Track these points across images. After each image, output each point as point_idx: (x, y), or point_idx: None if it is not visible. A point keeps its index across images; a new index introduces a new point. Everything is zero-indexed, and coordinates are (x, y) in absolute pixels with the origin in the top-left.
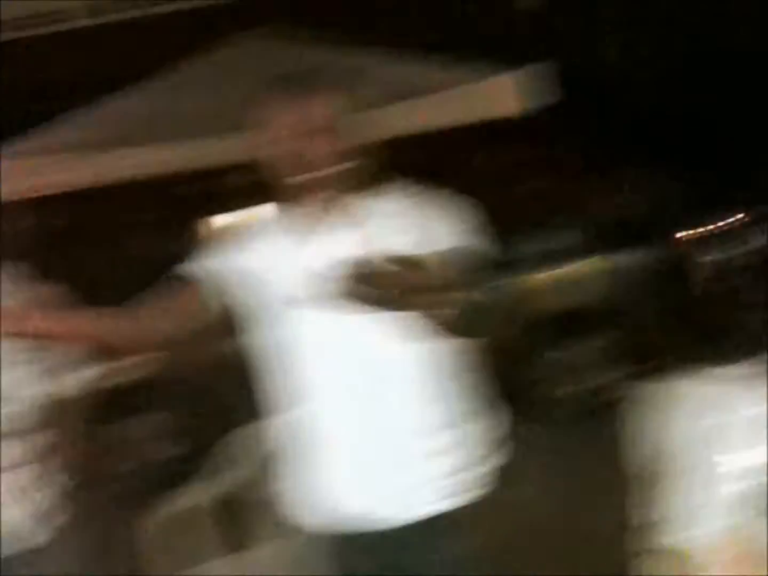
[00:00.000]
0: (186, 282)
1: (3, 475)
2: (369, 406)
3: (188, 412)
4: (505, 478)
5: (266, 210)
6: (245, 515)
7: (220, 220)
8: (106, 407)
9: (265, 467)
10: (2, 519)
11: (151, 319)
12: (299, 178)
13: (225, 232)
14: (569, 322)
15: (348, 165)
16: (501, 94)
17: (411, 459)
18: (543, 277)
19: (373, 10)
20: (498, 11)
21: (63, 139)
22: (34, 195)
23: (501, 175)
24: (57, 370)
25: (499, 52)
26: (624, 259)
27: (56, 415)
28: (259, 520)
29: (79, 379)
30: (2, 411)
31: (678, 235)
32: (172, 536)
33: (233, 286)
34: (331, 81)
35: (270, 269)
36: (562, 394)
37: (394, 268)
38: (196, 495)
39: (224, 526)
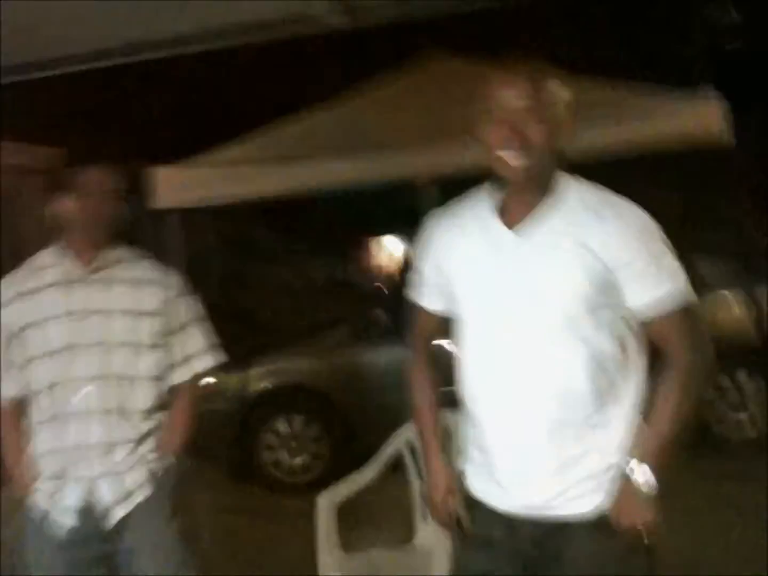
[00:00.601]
0: (428, 315)
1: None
2: (537, 401)
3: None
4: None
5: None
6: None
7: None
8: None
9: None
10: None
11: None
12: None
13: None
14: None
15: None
16: (709, 118)
17: (568, 453)
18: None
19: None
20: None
21: (257, 151)
22: (228, 203)
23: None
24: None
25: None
26: None
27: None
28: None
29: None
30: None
31: None
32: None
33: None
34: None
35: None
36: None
37: None
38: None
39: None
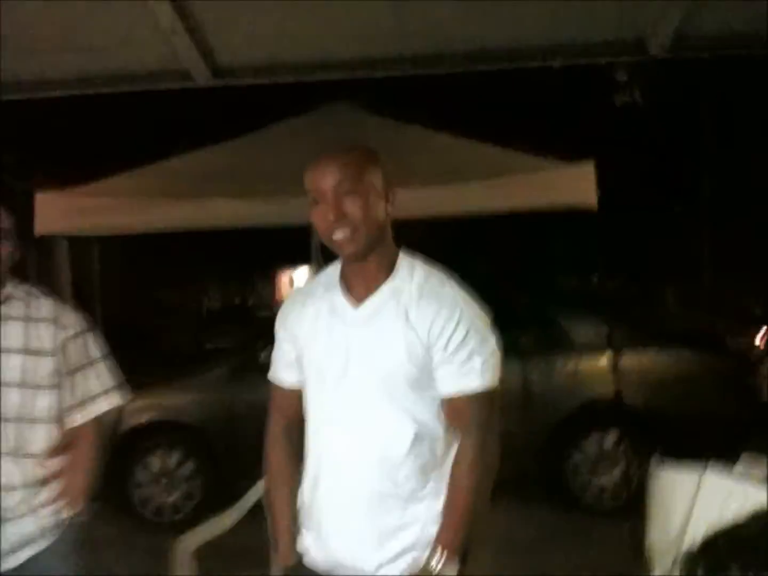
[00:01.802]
0: (282, 391)
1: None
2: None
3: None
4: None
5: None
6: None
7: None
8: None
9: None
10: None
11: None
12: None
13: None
14: (604, 412)
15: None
16: (580, 183)
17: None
18: (603, 360)
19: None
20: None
21: (143, 184)
22: (107, 233)
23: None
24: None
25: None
26: (685, 357)
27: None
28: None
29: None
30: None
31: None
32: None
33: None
34: (382, 151)
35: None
36: (594, 482)
37: None
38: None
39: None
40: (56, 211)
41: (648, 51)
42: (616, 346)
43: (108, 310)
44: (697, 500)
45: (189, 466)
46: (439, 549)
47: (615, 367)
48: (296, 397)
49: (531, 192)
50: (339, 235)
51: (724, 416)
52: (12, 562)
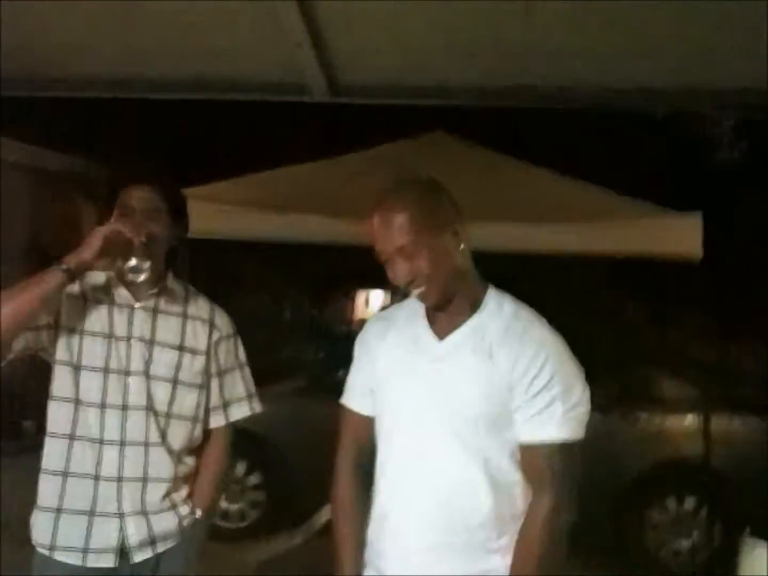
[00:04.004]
0: (356, 418)
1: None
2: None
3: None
4: None
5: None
6: None
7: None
8: None
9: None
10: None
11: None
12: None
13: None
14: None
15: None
16: (685, 234)
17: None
18: (682, 422)
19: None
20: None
21: (244, 192)
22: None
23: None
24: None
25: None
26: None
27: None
28: None
29: None
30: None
31: None
32: None
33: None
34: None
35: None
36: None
37: None
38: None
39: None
40: None
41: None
42: (704, 406)
43: None
44: None
45: (257, 476)
46: None
47: (704, 429)
48: (370, 425)
49: (634, 238)
50: (415, 293)
51: None
52: (143, 554)
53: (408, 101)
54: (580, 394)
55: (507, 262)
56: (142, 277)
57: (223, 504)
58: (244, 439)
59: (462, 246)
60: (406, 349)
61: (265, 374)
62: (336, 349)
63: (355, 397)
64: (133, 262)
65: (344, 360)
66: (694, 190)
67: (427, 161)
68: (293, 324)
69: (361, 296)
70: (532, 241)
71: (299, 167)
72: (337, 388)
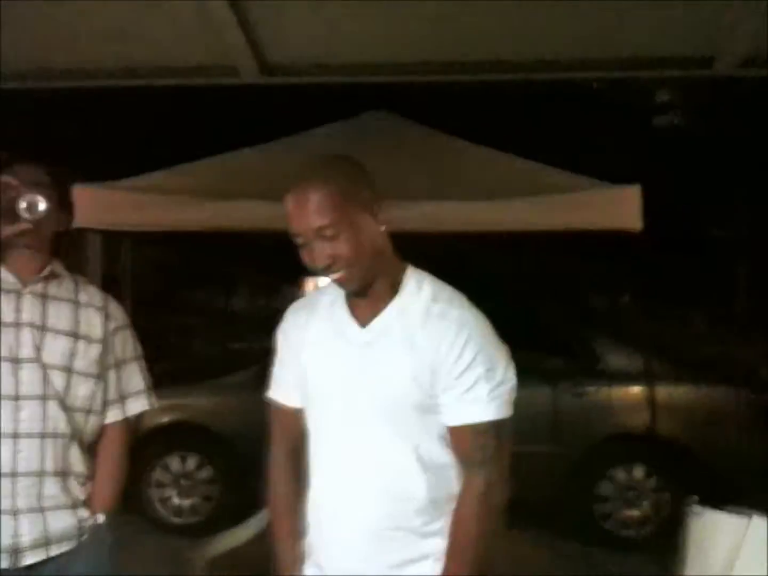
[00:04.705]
0: (285, 411)
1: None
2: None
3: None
4: None
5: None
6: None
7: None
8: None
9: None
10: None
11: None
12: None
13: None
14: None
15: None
16: (624, 206)
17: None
18: (635, 392)
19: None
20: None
21: (179, 182)
22: (139, 229)
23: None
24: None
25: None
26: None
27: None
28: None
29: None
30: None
31: None
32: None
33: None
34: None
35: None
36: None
37: None
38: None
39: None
40: (93, 204)
41: (712, 68)
42: (650, 376)
43: (135, 306)
44: (743, 546)
45: (208, 470)
46: None
47: (650, 398)
48: (300, 417)
49: (574, 212)
50: (334, 276)
51: (759, 453)
52: (39, 555)
53: (338, 79)
54: (503, 372)
55: (450, 240)
56: (42, 207)
57: (176, 500)
58: (194, 433)
59: (381, 227)
60: (329, 337)
61: (215, 366)
62: None
63: (281, 389)
64: (23, 202)
65: None
66: (633, 160)
67: (366, 141)
68: (243, 315)
69: (309, 283)
70: (473, 219)
71: (235, 153)
72: None
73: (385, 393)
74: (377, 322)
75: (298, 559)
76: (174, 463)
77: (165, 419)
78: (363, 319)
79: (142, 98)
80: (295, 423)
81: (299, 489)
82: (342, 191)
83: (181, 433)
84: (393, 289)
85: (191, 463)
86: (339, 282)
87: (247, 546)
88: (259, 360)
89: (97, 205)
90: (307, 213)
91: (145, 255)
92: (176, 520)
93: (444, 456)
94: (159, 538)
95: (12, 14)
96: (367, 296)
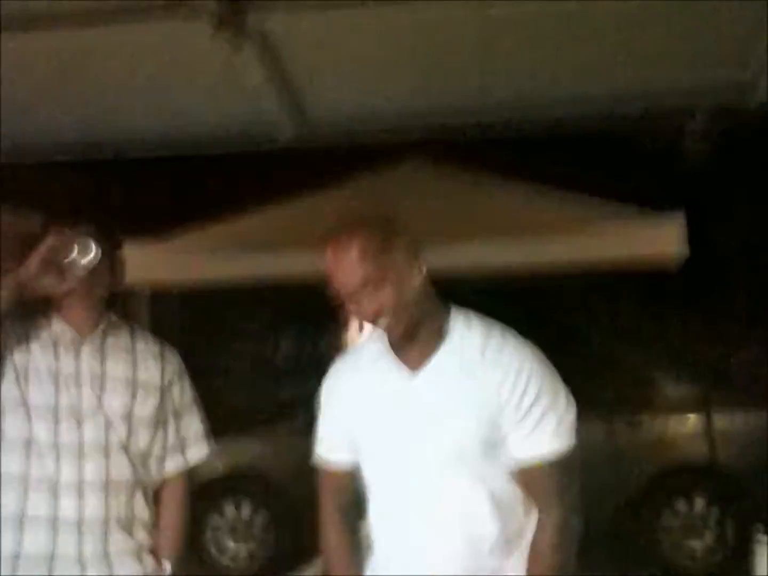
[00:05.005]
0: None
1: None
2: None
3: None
4: None
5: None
6: None
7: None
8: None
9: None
10: None
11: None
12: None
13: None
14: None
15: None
16: (668, 234)
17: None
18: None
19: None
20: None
21: (213, 240)
22: (185, 287)
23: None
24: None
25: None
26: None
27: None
28: None
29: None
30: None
31: None
32: None
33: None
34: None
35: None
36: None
37: None
38: None
39: None
40: (142, 263)
41: (745, 99)
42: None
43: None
44: None
45: (263, 516)
46: None
47: (708, 428)
48: (349, 479)
49: (618, 243)
50: (380, 327)
51: None
52: None
53: (373, 138)
54: (565, 401)
55: (498, 280)
56: (93, 252)
57: (232, 545)
58: (249, 480)
59: (421, 272)
60: (377, 391)
61: (265, 415)
62: None
63: (330, 450)
64: (74, 251)
65: None
66: (671, 191)
67: (402, 191)
68: (289, 362)
69: (353, 324)
70: (518, 258)
71: (277, 209)
72: None
73: (451, 436)
74: (432, 365)
75: None
76: (229, 511)
77: (219, 469)
78: (412, 366)
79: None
80: (345, 485)
81: (355, 545)
82: (377, 242)
83: (234, 482)
84: (440, 331)
85: (246, 511)
86: (386, 329)
87: None
88: (305, 406)
89: (146, 264)
90: (348, 267)
91: (191, 308)
92: (233, 565)
93: (512, 493)
94: None
95: (63, 92)
96: (414, 341)
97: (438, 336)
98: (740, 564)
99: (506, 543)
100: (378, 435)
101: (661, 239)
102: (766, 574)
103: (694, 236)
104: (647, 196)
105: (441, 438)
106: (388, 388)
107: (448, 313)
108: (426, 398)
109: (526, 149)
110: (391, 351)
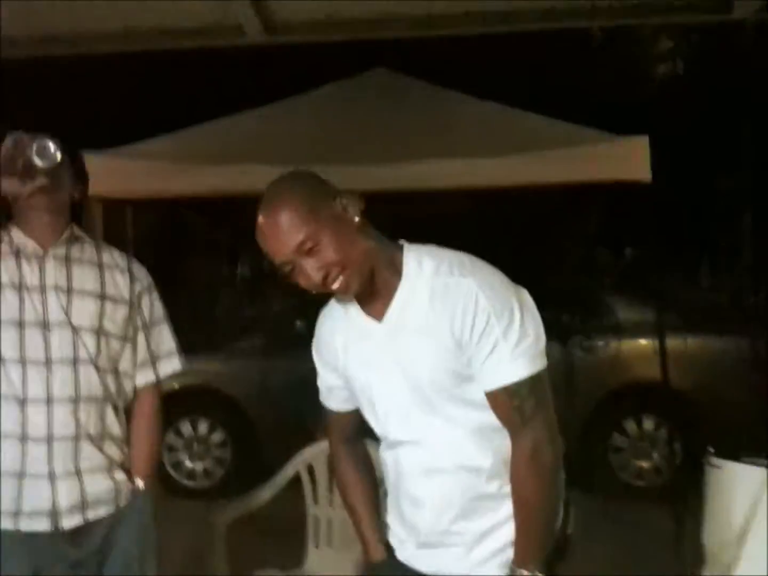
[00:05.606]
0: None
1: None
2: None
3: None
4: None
5: None
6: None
7: None
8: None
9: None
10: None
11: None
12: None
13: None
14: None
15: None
16: (633, 157)
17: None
18: (643, 345)
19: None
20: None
21: (183, 148)
22: (138, 197)
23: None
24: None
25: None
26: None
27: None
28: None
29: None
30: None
31: None
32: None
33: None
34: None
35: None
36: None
37: None
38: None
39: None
40: (99, 173)
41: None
42: (662, 328)
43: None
44: (763, 497)
45: (220, 434)
46: (517, 564)
47: (661, 351)
48: (351, 417)
49: (581, 165)
50: (334, 287)
51: None
52: (77, 518)
53: (347, 36)
54: (520, 327)
55: (457, 197)
56: (53, 150)
57: (188, 463)
58: (206, 397)
59: (357, 219)
60: (356, 341)
61: (225, 333)
62: (291, 302)
63: (329, 399)
64: (32, 153)
65: (300, 312)
66: (638, 110)
67: (369, 99)
68: (249, 281)
69: None
70: (480, 175)
71: (236, 117)
72: (295, 341)
73: (422, 377)
74: (391, 314)
75: (381, 540)
76: (186, 427)
77: (176, 385)
78: (379, 314)
79: (144, 63)
80: (347, 422)
81: (365, 469)
82: (304, 200)
83: (191, 397)
84: (397, 274)
85: (203, 427)
86: (340, 292)
87: (264, 509)
88: (265, 325)
89: (103, 174)
90: (282, 236)
91: (146, 223)
92: (189, 483)
93: (496, 420)
94: (177, 501)
95: None
96: (374, 292)
97: (394, 280)
98: (687, 484)
99: (505, 468)
100: (364, 387)
101: (627, 162)
102: (717, 496)
103: (656, 162)
104: (612, 119)
105: (414, 382)
106: (364, 340)
107: (399, 253)
108: (393, 346)
109: (491, 68)
110: (358, 304)
